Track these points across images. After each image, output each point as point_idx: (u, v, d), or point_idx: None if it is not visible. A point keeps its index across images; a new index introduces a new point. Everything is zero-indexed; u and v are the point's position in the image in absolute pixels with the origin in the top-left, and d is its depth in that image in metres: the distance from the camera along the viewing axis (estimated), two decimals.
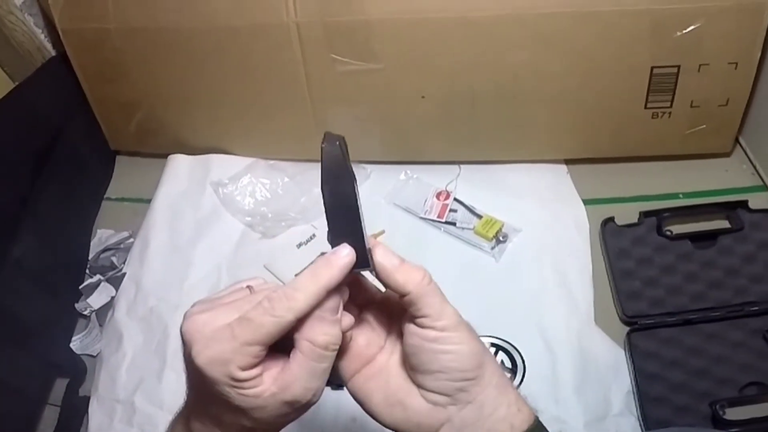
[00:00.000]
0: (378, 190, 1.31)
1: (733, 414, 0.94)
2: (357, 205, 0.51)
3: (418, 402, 0.52)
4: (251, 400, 0.47)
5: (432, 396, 0.51)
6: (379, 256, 0.51)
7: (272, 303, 0.47)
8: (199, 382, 0.48)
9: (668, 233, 1.13)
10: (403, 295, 0.50)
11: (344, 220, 0.51)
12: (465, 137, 1.27)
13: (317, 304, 0.48)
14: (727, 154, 1.27)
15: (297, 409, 0.49)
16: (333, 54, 1.16)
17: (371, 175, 1.33)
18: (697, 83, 1.13)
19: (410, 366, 0.53)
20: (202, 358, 0.46)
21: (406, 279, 0.50)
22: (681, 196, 1.23)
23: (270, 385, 0.47)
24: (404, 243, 1.22)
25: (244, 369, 0.46)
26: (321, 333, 0.48)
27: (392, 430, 0.54)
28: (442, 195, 1.26)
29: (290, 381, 0.48)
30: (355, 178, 0.51)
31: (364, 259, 0.51)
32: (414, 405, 0.52)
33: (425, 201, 1.26)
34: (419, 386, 0.52)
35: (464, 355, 0.50)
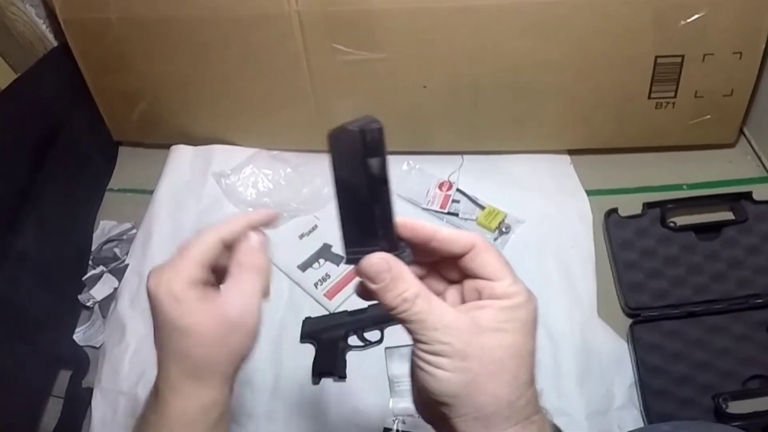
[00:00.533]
0: None
1: (736, 407, 0.94)
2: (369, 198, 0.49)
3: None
4: (190, 318, 0.51)
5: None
6: (371, 282, 0.49)
7: (201, 234, 0.56)
8: (155, 318, 0.53)
9: (672, 224, 1.12)
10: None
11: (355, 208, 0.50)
12: (467, 127, 1.27)
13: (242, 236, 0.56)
14: (732, 145, 1.26)
15: (234, 331, 0.53)
16: (335, 44, 1.16)
17: None
18: (702, 73, 1.12)
19: None
20: (151, 283, 0.53)
21: (387, 302, 0.49)
22: (685, 187, 1.23)
23: (206, 304, 0.52)
24: None
25: (182, 287, 0.52)
26: (244, 254, 0.55)
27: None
28: (445, 185, 1.26)
29: (224, 299, 0.53)
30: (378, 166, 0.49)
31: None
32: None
33: (428, 192, 1.26)
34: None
35: (433, 379, 0.47)
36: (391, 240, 0.49)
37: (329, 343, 1.08)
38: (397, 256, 0.49)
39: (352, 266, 0.50)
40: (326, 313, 1.14)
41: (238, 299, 0.53)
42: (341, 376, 1.05)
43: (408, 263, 0.50)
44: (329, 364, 1.05)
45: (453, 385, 0.46)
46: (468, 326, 0.47)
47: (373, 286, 0.49)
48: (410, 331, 0.48)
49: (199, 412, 0.54)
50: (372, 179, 0.49)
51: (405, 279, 0.48)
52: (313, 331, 1.10)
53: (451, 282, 0.54)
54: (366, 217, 0.49)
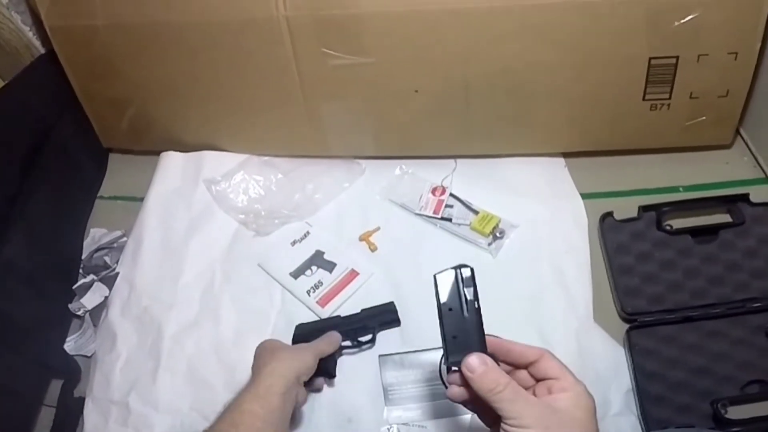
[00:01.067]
0: (373, 185, 1.30)
1: (734, 413, 0.93)
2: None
3: None
4: None
5: None
6: (470, 372, 0.64)
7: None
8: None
9: (668, 228, 1.11)
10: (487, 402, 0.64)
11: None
12: (460, 131, 1.26)
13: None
14: (728, 146, 1.25)
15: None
16: (324, 48, 1.15)
17: (366, 171, 1.32)
18: (697, 74, 1.11)
19: None
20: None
21: (483, 388, 0.63)
22: (681, 189, 1.22)
23: None
24: (400, 239, 1.21)
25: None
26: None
27: None
28: (438, 190, 1.25)
29: None
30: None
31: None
32: None
33: (420, 197, 1.25)
34: None
35: None
36: (483, 348, 0.66)
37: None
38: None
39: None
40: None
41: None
42: (331, 375, 1.06)
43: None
44: (320, 365, 1.01)
45: None
46: (547, 408, 0.62)
47: (471, 375, 0.63)
48: (501, 411, 0.61)
49: None
50: (467, 302, 0.68)
51: (497, 371, 0.63)
52: (305, 334, 1.09)
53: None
54: (463, 332, 0.67)
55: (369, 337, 1.09)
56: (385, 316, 1.10)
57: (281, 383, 0.87)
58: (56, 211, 1.27)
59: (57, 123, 1.31)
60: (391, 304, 1.11)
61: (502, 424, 0.61)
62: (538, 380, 0.67)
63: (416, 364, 1.05)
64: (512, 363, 0.69)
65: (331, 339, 1.03)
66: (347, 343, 1.08)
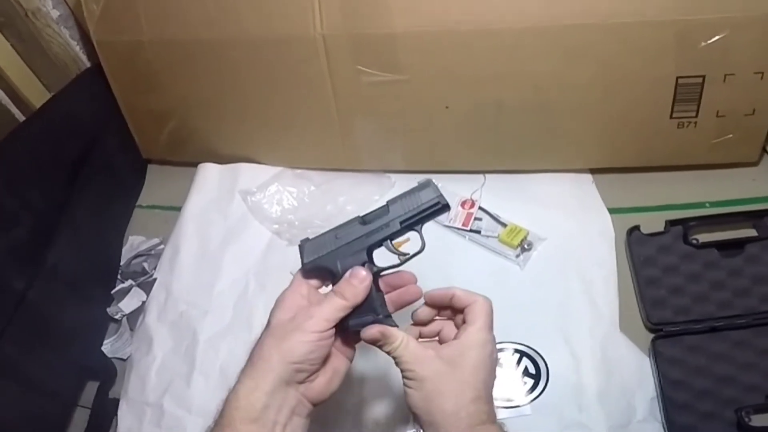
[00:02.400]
0: None
1: (759, 421, 0.94)
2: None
3: None
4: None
5: None
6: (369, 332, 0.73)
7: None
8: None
9: (694, 242, 1.12)
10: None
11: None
12: (490, 147, 1.28)
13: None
14: (755, 164, 1.26)
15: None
16: (359, 65, 1.18)
17: (395, 185, 1.35)
18: (723, 93, 1.13)
19: None
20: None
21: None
22: (708, 205, 1.23)
23: None
24: (429, 251, 1.22)
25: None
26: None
27: None
28: (467, 204, 1.27)
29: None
30: None
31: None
32: None
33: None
34: None
35: (406, 395, 0.71)
36: (384, 311, 0.75)
37: (348, 265, 0.76)
38: (386, 319, 0.75)
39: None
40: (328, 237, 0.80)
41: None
42: (385, 322, 0.74)
43: (393, 326, 0.74)
44: (360, 303, 0.74)
45: (415, 399, 0.70)
46: (429, 360, 0.70)
47: (376, 345, 0.73)
48: (397, 364, 0.72)
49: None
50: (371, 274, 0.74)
51: (392, 336, 0.72)
52: (322, 256, 0.77)
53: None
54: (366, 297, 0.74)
55: (420, 245, 0.80)
56: (423, 200, 0.76)
57: (254, 403, 0.68)
58: (98, 218, 1.31)
59: (101, 134, 1.36)
60: (428, 181, 0.77)
61: (403, 380, 0.72)
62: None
63: None
64: (455, 308, 0.78)
65: (356, 280, 0.73)
66: (380, 265, 0.78)
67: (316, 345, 0.70)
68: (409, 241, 1.06)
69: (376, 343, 0.73)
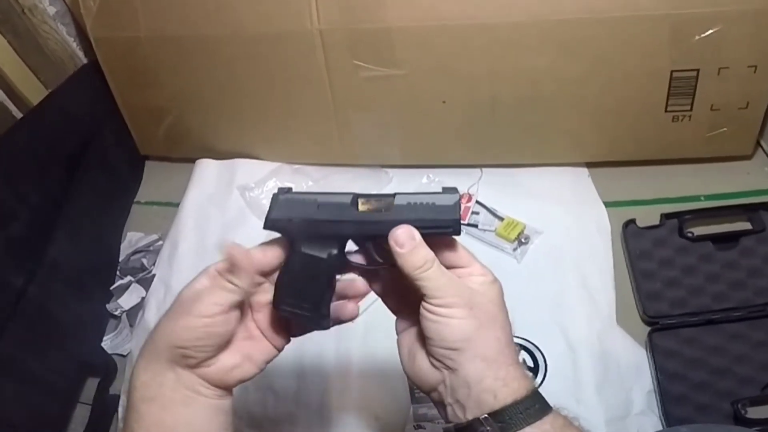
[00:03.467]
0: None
1: (755, 413, 0.95)
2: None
3: (423, 360, 0.62)
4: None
5: (430, 358, 0.62)
6: (398, 247, 0.59)
7: None
8: None
9: (690, 235, 1.13)
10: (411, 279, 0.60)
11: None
12: (486, 141, 1.29)
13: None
14: (749, 157, 1.27)
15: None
16: (356, 60, 1.19)
17: (393, 179, 1.36)
18: (717, 87, 1.14)
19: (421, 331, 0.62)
20: None
21: (410, 265, 0.59)
22: (702, 198, 1.24)
23: None
24: None
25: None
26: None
27: (411, 379, 0.65)
28: (464, 198, 1.28)
29: None
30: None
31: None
32: (421, 362, 0.63)
33: None
34: (425, 348, 0.62)
35: (449, 328, 0.59)
36: (325, 309, 0.63)
37: (312, 246, 0.62)
38: (322, 319, 0.63)
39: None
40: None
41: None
42: (318, 320, 0.64)
43: (325, 328, 0.64)
44: (305, 290, 0.62)
45: (466, 330, 0.58)
46: (467, 287, 0.60)
47: (401, 250, 0.59)
48: (426, 290, 0.59)
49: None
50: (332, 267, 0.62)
51: (426, 247, 0.59)
52: (293, 217, 0.62)
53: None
54: (313, 288, 0.62)
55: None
56: (437, 215, 0.60)
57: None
58: (96, 215, 1.32)
59: (98, 130, 1.36)
60: (454, 192, 0.61)
61: (423, 304, 0.59)
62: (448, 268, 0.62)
63: None
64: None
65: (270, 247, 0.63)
66: (358, 259, 0.65)
67: (204, 332, 0.58)
68: None
69: (401, 249, 0.59)
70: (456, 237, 0.61)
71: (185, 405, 0.59)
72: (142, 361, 0.60)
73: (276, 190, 0.63)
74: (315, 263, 0.62)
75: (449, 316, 0.58)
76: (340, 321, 0.66)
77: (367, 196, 0.62)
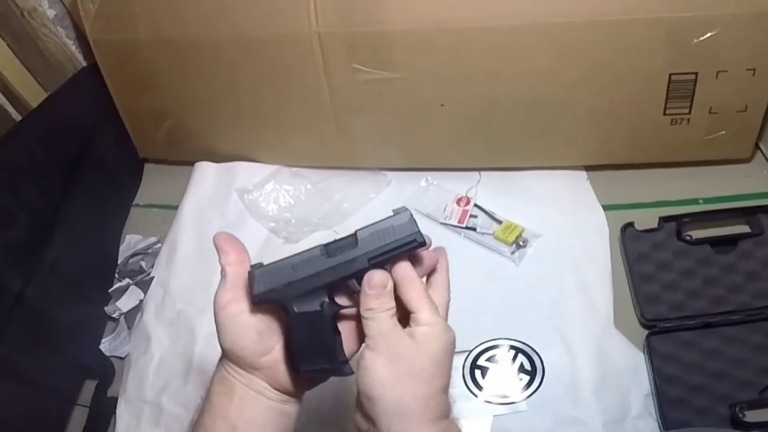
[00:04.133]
0: (398, 196, 1.33)
1: (752, 416, 0.95)
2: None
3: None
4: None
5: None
6: (368, 288, 0.63)
7: None
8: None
9: (688, 238, 1.13)
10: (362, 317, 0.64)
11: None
12: (484, 144, 1.29)
13: None
14: (747, 160, 1.27)
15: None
16: (354, 63, 1.18)
17: (392, 182, 1.36)
18: (716, 90, 1.14)
19: None
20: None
21: (366, 305, 0.63)
22: (701, 201, 1.24)
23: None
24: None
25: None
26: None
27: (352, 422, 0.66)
28: (463, 201, 1.28)
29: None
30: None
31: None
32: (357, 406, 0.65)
33: (445, 207, 1.28)
34: None
35: (368, 376, 0.60)
36: (341, 355, 0.66)
37: (304, 303, 0.65)
38: (343, 366, 0.66)
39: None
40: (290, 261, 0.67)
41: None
42: (339, 369, 0.67)
43: (348, 374, 0.65)
44: (315, 346, 0.66)
45: (381, 380, 0.60)
46: (404, 337, 0.61)
47: (369, 291, 0.62)
48: (366, 329, 0.62)
49: None
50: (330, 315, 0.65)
51: (389, 298, 0.63)
52: (275, 286, 0.65)
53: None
54: (321, 341, 0.65)
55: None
56: (397, 235, 0.64)
57: None
58: (95, 218, 1.32)
59: (97, 133, 1.36)
60: (404, 211, 0.65)
61: (362, 347, 0.63)
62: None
63: None
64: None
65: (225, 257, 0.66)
66: (347, 300, 0.69)
67: (230, 326, 0.64)
68: None
69: (370, 290, 0.63)
70: (418, 282, 0.64)
71: (250, 403, 0.65)
72: (221, 361, 0.67)
73: (249, 269, 0.66)
74: (313, 318, 0.65)
75: (371, 363, 0.61)
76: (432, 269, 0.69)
77: (333, 242, 0.66)
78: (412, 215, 0.65)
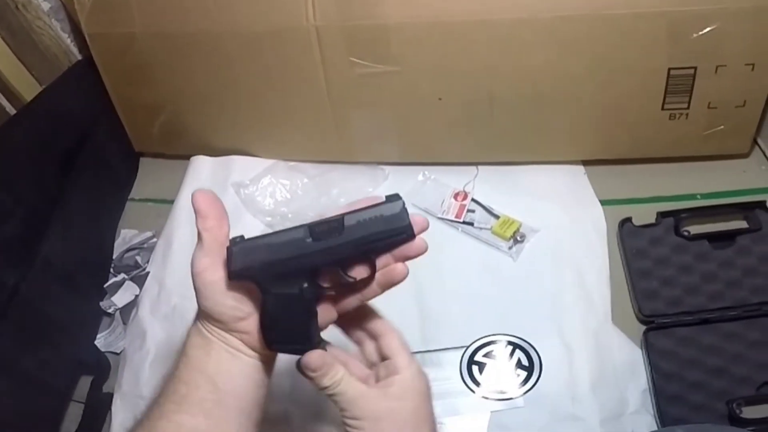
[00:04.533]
0: (396, 191, 1.29)
1: (750, 412, 0.95)
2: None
3: None
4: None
5: None
6: (309, 371, 0.63)
7: None
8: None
9: (686, 233, 1.13)
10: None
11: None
12: (483, 139, 1.29)
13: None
14: (746, 155, 1.27)
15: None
16: (352, 57, 1.18)
17: (389, 177, 1.35)
18: (715, 84, 1.13)
19: None
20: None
21: (321, 385, 0.63)
22: (699, 196, 1.24)
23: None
24: None
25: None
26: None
27: None
28: (460, 195, 1.28)
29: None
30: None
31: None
32: None
33: (443, 201, 1.27)
34: None
35: None
36: (319, 339, 0.65)
37: (282, 285, 0.63)
38: (317, 347, 0.64)
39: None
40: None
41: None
42: (319, 343, 0.66)
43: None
44: (290, 327, 0.64)
45: None
46: (379, 397, 0.62)
47: (312, 375, 0.62)
48: (338, 404, 0.63)
49: None
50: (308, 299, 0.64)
51: (335, 367, 0.63)
52: (254, 264, 0.62)
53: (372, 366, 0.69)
54: (297, 324, 0.64)
55: (367, 272, 0.65)
56: (387, 225, 0.62)
57: None
58: (90, 212, 1.31)
59: (92, 127, 1.35)
60: (397, 200, 0.63)
61: (342, 420, 0.63)
62: (382, 358, 0.67)
63: (436, 363, 1.08)
64: (367, 333, 0.70)
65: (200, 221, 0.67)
66: (330, 282, 0.66)
67: (205, 289, 0.64)
68: None
69: (313, 373, 0.62)
70: (391, 331, 0.67)
71: (228, 359, 0.65)
72: (199, 316, 0.67)
73: (228, 244, 0.65)
74: (289, 300, 0.63)
75: (357, 428, 0.62)
76: (393, 283, 0.66)
77: (318, 223, 0.63)
78: (404, 205, 0.62)
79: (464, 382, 1.06)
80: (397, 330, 0.67)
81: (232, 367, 0.65)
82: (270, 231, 1.05)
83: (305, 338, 0.64)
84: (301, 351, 0.63)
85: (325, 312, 0.67)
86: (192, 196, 0.66)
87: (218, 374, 0.65)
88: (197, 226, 0.65)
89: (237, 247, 0.63)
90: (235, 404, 0.66)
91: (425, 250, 0.64)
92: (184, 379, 0.65)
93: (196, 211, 0.65)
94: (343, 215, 0.63)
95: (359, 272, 0.65)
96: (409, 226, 0.62)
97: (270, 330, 0.64)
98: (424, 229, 0.64)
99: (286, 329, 0.64)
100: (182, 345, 0.67)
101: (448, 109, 1.23)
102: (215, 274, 0.64)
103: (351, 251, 0.63)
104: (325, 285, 0.66)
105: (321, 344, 0.65)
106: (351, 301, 0.68)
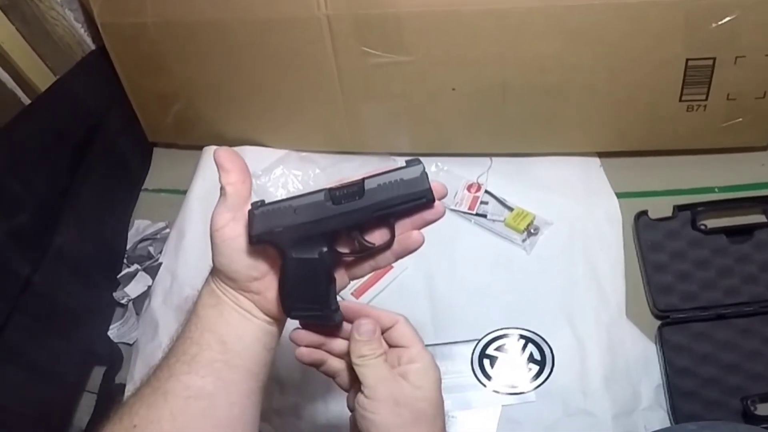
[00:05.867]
0: None
1: (764, 409, 0.94)
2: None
3: None
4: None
5: None
6: (358, 335, 0.64)
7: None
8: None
9: (702, 227, 1.11)
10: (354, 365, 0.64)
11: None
12: (496, 130, 1.27)
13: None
14: (764, 148, 1.25)
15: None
16: (363, 47, 1.17)
17: None
18: (734, 75, 1.11)
19: None
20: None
21: (358, 352, 0.64)
22: (716, 190, 1.22)
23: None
24: (434, 234, 1.22)
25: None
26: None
27: None
28: (473, 187, 1.27)
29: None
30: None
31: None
32: None
33: (456, 193, 1.27)
34: None
35: (374, 425, 0.61)
36: (335, 304, 0.66)
37: (302, 249, 0.64)
38: (334, 314, 0.66)
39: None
40: None
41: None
42: (330, 317, 0.67)
43: (338, 321, 0.67)
44: (309, 292, 0.66)
45: (388, 427, 0.61)
46: (401, 383, 0.62)
47: (359, 338, 0.64)
48: (362, 378, 0.62)
49: None
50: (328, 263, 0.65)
51: (380, 341, 0.65)
52: (275, 228, 0.64)
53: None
54: (316, 288, 0.65)
55: (387, 236, 0.67)
56: (407, 189, 0.63)
57: None
58: (103, 203, 1.31)
59: (106, 117, 1.35)
60: (417, 164, 0.63)
61: (358, 395, 0.63)
62: (391, 346, 0.66)
63: (447, 356, 1.08)
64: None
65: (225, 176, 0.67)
66: (348, 248, 0.68)
67: (225, 248, 0.66)
68: None
69: (360, 337, 0.64)
70: (403, 319, 0.66)
71: (239, 320, 0.67)
72: (211, 275, 0.69)
73: (249, 207, 0.66)
74: (309, 265, 0.64)
75: (374, 412, 0.61)
76: (409, 251, 0.67)
77: (339, 188, 0.64)
78: (424, 169, 0.63)
79: (475, 376, 1.06)
80: (407, 319, 0.67)
81: (242, 328, 0.67)
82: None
83: (324, 303, 0.66)
84: (320, 317, 0.66)
85: (339, 277, 0.69)
86: (214, 152, 0.66)
87: (228, 335, 0.66)
88: (220, 182, 0.66)
89: (258, 211, 0.65)
90: (243, 366, 0.67)
91: (443, 215, 0.65)
92: (195, 339, 0.65)
93: (219, 167, 0.65)
94: (363, 179, 0.63)
95: (378, 237, 0.67)
96: (430, 191, 0.63)
97: (289, 295, 0.65)
98: (444, 195, 0.65)
99: (304, 294, 0.65)
100: (193, 305, 0.69)
101: (460, 99, 1.21)
102: (234, 230, 0.65)
103: (371, 215, 0.64)
104: (344, 250, 0.67)
105: (336, 312, 0.66)
106: (365, 267, 0.69)
